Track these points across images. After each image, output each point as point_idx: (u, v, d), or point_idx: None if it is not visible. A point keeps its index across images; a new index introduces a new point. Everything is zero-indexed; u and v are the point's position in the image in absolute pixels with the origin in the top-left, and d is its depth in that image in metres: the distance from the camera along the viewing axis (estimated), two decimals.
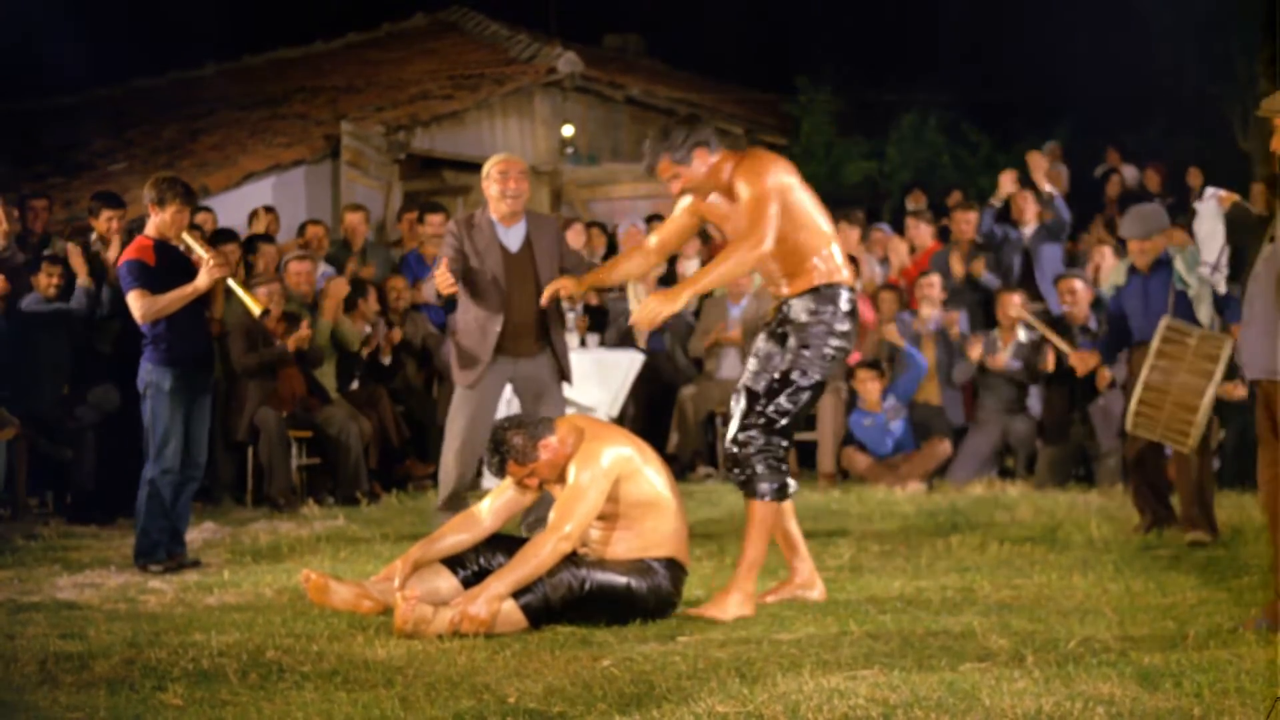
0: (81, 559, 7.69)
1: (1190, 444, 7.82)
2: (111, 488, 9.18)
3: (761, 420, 6.13)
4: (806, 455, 11.55)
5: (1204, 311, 8.18)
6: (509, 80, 16.27)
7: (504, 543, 6.08)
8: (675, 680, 4.84)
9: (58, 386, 9.62)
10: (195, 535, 8.21)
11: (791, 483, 6.24)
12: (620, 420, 11.63)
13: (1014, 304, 10.95)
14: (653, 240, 6.60)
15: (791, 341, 6.16)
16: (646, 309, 6.04)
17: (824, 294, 6.15)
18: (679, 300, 6.07)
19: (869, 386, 11.05)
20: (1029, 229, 12.39)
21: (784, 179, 6.12)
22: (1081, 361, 9.44)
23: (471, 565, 6.02)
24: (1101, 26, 17.39)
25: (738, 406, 6.23)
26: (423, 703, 4.60)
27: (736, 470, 6.21)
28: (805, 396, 6.17)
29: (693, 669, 5.02)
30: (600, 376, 11.35)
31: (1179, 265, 8.25)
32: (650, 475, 5.93)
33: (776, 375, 6.16)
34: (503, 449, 5.89)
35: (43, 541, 8.32)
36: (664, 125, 6.31)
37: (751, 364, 6.29)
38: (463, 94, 15.90)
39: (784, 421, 6.15)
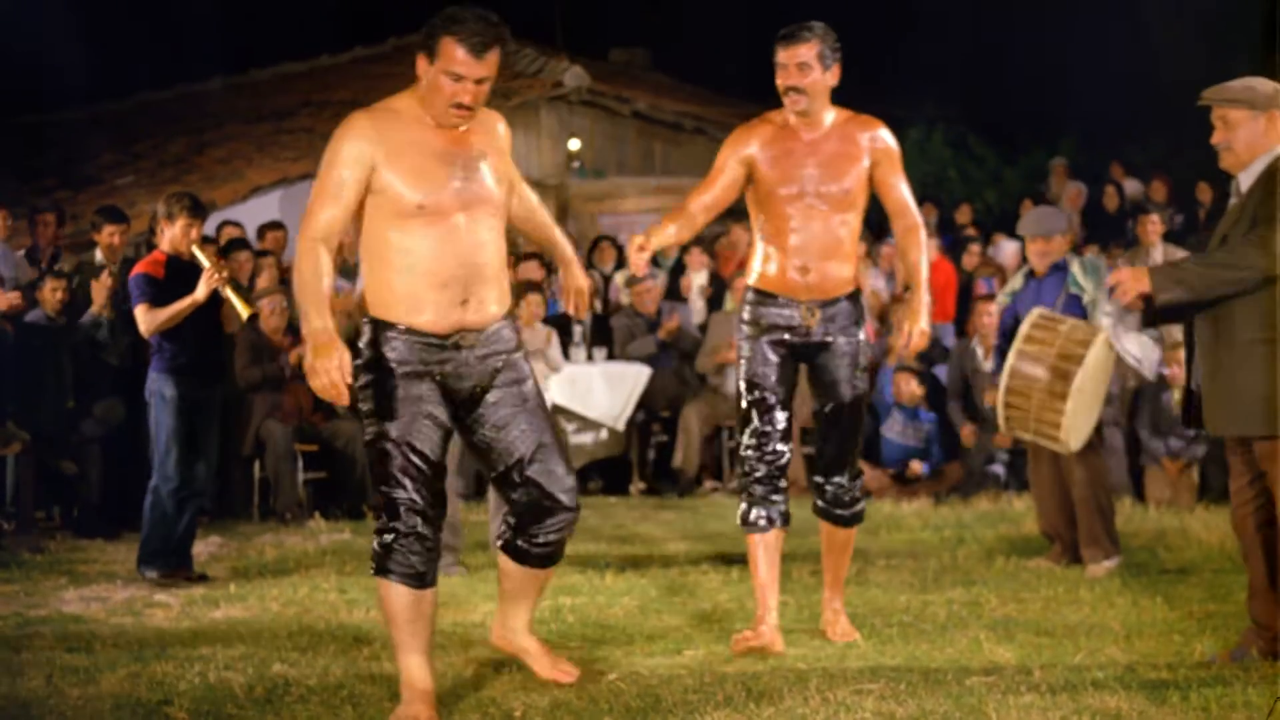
0: (88, 573, 7.70)
1: (1063, 439, 7.27)
2: (118, 501, 9.19)
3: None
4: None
5: (1098, 319, 7.65)
6: (515, 94, 16.26)
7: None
8: (681, 695, 4.84)
9: (63, 401, 9.62)
10: (201, 549, 8.21)
11: (757, 511, 5.64)
12: (626, 435, 11.64)
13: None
14: (700, 201, 5.54)
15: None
16: None
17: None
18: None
19: (910, 384, 11.08)
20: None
21: None
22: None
23: None
24: (1106, 40, 17.39)
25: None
26: None
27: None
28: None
29: (699, 684, 5.01)
30: (608, 389, 11.36)
31: (1075, 269, 7.78)
32: None
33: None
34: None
35: (49, 555, 8.33)
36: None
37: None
38: None
39: (747, 439, 5.69)
